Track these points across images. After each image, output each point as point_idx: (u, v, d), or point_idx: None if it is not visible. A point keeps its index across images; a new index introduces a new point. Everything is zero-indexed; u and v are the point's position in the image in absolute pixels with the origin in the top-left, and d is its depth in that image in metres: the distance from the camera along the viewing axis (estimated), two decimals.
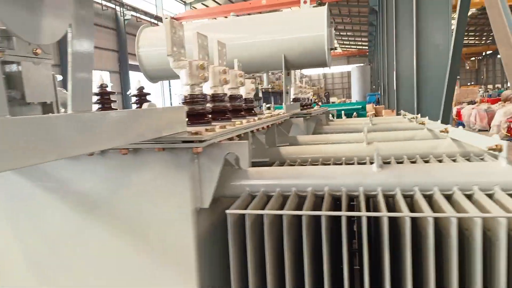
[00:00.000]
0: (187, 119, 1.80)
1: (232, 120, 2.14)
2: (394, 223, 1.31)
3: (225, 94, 2.15)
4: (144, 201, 1.46)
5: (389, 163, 1.80)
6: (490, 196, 1.29)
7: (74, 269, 1.53)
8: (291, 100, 4.42)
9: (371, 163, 1.63)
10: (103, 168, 1.46)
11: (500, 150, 1.38)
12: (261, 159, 2.18)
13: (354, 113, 15.75)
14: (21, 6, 0.77)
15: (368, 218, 1.30)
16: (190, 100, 1.79)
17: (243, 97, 2.70)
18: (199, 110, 1.82)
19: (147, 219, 1.46)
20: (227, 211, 1.35)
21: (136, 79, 2.16)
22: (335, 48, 4.22)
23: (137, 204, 1.46)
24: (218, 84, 2.11)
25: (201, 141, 1.34)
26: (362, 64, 43.49)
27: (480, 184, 1.34)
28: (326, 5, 3.18)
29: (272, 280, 1.36)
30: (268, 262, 1.34)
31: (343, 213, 1.25)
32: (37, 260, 1.55)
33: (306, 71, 78.24)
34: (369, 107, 23.67)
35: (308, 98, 4.90)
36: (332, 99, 43.38)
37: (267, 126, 2.55)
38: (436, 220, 1.21)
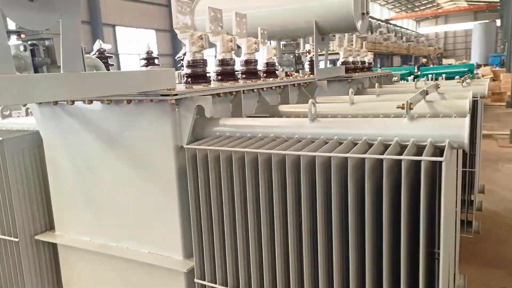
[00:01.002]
0: (189, 79, 2.32)
1: (240, 81, 2.58)
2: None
3: (232, 59, 2.57)
4: (144, 138, 2.03)
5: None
6: (388, 144, 1.55)
7: (101, 180, 2.22)
8: (340, 63, 4.57)
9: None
10: (117, 113, 2.07)
11: (402, 108, 1.59)
12: (262, 114, 2.58)
13: (457, 77, 14.35)
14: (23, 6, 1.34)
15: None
16: (192, 64, 2.28)
17: (265, 61, 3.09)
18: (199, 72, 2.30)
19: (146, 151, 2.04)
20: (185, 146, 1.85)
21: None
22: (368, 13, 4.01)
23: (139, 140, 2.05)
24: (226, 50, 2.54)
25: (174, 95, 1.84)
26: (486, 21, 37.93)
27: (384, 136, 1.59)
28: None
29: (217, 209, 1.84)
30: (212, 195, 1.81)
31: (287, 152, 1.63)
32: (79, 170, 2.28)
33: (423, 31, 70.96)
34: (486, 70, 20.95)
35: (361, 62, 4.96)
36: (448, 61, 39.23)
37: (280, 87, 2.91)
38: None
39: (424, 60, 38.25)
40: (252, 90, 2.57)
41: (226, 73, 2.55)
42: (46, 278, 2.58)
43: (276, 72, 3.16)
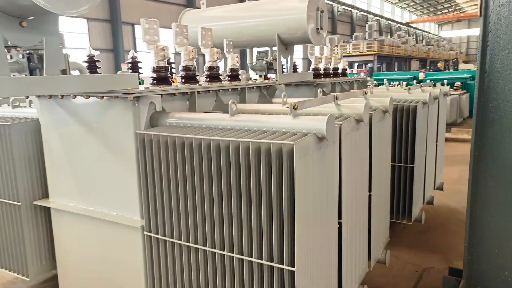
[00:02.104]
0: (154, 81, 2.94)
1: (200, 83, 3.19)
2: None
3: (193, 65, 3.17)
4: (114, 125, 2.67)
5: None
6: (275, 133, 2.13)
7: (82, 158, 2.87)
8: (312, 69, 5.13)
9: None
10: (93, 105, 2.72)
11: (288, 107, 2.17)
12: (216, 111, 3.18)
13: (456, 83, 14.60)
14: None
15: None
16: (156, 69, 2.91)
17: (230, 67, 3.70)
18: (161, 76, 2.92)
19: (115, 136, 2.68)
20: (136, 131, 2.48)
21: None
22: (323, 28, 4.44)
23: (111, 127, 2.69)
24: (188, 58, 3.15)
25: (132, 94, 2.47)
26: None
27: (276, 127, 2.19)
28: None
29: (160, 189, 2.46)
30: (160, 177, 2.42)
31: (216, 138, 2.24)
32: (67, 149, 2.94)
33: (445, 34, 69.94)
34: None
35: (333, 68, 5.50)
36: (466, 66, 38.84)
37: (237, 89, 3.51)
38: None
39: (440, 64, 37.99)
40: (208, 91, 3.17)
41: (188, 77, 3.17)
42: (42, 235, 3.26)
43: (240, 76, 3.76)
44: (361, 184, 2.92)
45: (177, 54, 3.29)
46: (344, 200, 2.57)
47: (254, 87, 3.76)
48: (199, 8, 4.76)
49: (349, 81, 5.75)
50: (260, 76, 4.37)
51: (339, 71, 5.72)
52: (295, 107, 2.19)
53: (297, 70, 4.96)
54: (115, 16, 24.74)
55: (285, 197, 1.97)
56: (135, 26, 26.25)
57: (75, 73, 2.96)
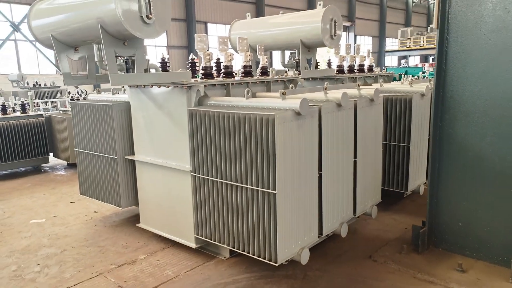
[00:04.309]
0: (202, 76, 4.31)
1: (232, 78, 4.49)
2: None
3: (231, 65, 4.48)
4: (175, 104, 4.09)
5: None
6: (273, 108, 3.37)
7: (155, 127, 4.35)
8: (337, 66, 6.18)
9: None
10: (163, 92, 4.17)
11: (284, 94, 3.37)
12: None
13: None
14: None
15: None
16: (203, 68, 4.27)
17: (261, 65, 4.96)
18: (207, 72, 4.28)
19: (175, 112, 4.10)
20: (188, 108, 3.87)
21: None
22: (336, 34, 5.17)
23: (173, 106, 4.12)
24: (227, 60, 4.48)
25: (186, 84, 3.87)
26: None
27: (272, 106, 3.42)
28: (326, 7, 4.91)
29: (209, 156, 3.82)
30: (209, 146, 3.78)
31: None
32: (146, 121, 4.44)
33: None
34: None
35: (359, 65, 6.48)
36: None
37: (261, 82, 4.76)
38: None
39: None
40: (241, 83, 4.48)
41: (227, 73, 4.49)
42: (129, 179, 4.85)
43: (270, 72, 5.00)
44: (343, 150, 4.01)
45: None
46: (324, 158, 3.72)
47: (279, 81, 4.98)
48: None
49: (374, 76, 6.67)
50: (286, 72, 5.56)
51: (365, 67, 6.67)
52: (284, 93, 3.41)
53: (318, 67, 6.06)
54: (190, 16, 27.05)
55: (271, 149, 3.21)
56: (208, 24, 28.40)
57: (153, 71, 4.43)
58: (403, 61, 34.43)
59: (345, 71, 6.17)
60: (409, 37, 30.44)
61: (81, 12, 3.44)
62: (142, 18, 3.20)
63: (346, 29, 37.26)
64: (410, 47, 29.40)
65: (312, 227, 3.69)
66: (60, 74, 19.39)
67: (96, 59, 3.93)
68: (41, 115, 8.49)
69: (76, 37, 3.71)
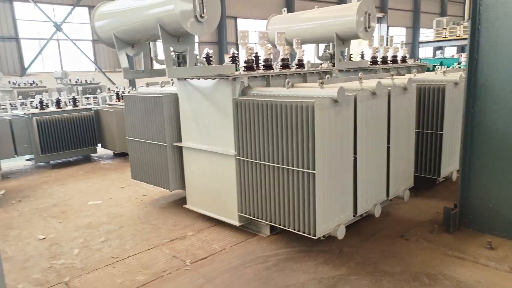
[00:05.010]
0: (245, 69, 4.69)
1: (271, 70, 4.85)
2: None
3: (270, 58, 4.83)
4: (220, 95, 4.50)
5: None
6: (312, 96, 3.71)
7: (201, 116, 4.78)
8: (370, 57, 6.40)
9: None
10: (210, 83, 4.58)
11: (322, 83, 3.69)
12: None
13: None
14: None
15: None
16: (246, 61, 4.65)
17: (298, 58, 5.28)
18: (249, 65, 4.65)
19: (221, 101, 4.51)
20: (233, 98, 4.26)
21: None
22: (370, 27, 5.28)
23: (219, 96, 4.52)
24: (266, 54, 4.83)
25: (231, 76, 4.26)
26: None
27: (312, 94, 3.76)
28: (361, 0, 5.14)
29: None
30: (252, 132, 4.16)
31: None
32: (193, 111, 4.88)
33: None
34: None
35: (392, 56, 6.67)
36: None
37: (298, 73, 5.08)
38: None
39: None
40: (279, 75, 4.82)
41: (266, 65, 4.85)
42: (177, 164, 5.32)
43: (306, 65, 5.32)
44: (377, 136, 4.29)
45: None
46: (359, 143, 4.02)
47: (314, 72, 5.29)
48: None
49: (407, 67, 6.84)
50: (321, 64, 5.86)
51: (399, 58, 6.84)
52: (322, 83, 3.73)
53: (351, 59, 6.30)
54: (221, 12, 27.51)
55: (311, 134, 3.55)
56: (238, 19, 28.80)
57: (200, 65, 4.85)
58: (438, 52, 33.55)
59: (379, 62, 6.38)
60: (444, 27, 29.58)
61: (142, 13, 3.89)
62: (196, 17, 3.61)
63: (378, 20, 36.68)
64: (445, 37, 28.60)
65: (347, 206, 4.01)
66: (99, 71, 20.42)
67: (152, 55, 4.39)
68: (90, 109, 9.19)
69: (135, 35, 4.18)
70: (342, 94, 3.62)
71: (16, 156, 8.30)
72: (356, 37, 5.32)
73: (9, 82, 16.50)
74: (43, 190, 6.86)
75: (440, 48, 34.09)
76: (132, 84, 19.79)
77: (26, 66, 20.58)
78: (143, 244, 4.53)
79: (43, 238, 4.81)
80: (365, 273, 3.65)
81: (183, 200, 5.61)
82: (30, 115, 8.27)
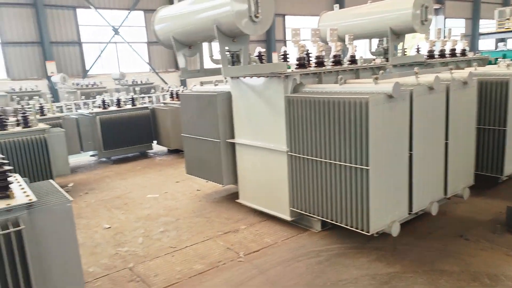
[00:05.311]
0: (297, 66, 4.75)
1: (324, 67, 4.86)
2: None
3: (322, 56, 4.85)
4: (272, 92, 4.60)
5: None
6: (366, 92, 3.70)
7: (254, 112, 4.90)
8: (427, 51, 6.19)
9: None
10: (262, 81, 4.69)
11: (377, 79, 3.65)
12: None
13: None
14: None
15: None
16: (298, 59, 4.70)
17: (350, 54, 5.25)
18: (301, 63, 4.70)
19: (273, 98, 4.60)
20: (285, 95, 4.33)
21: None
22: (427, 20, 4.95)
23: (271, 93, 4.62)
24: (318, 51, 4.85)
25: (283, 74, 4.34)
26: None
27: (366, 90, 3.74)
28: None
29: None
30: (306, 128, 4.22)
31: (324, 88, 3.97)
32: (246, 108, 5.02)
33: None
34: None
35: (450, 50, 6.39)
36: None
37: (351, 70, 5.05)
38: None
39: None
40: (331, 71, 4.83)
41: (318, 63, 4.88)
42: (230, 160, 5.50)
43: (358, 61, 5.27)
44: (434, 132, 4.16)
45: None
46: (415, 139, 3.93)
47: (367, 68, 5.22)
48: None
49: (467, 60, 6.52)
50: (374, 59, 5.76)
51: (457, 51, 6.55)
52: (376, 78, 3.70)
53: (405, 53, 6.12)
54: None
55: (364, 130, 3.54)
56: (286, 16, 28.74)
57: (253, 64, 4.99)
58: (500, 44, 31.29)
59: (436, 56, 6.15)
60: (508, 17, 27.55)
61: (199, 15, 4.09)
62: (251, 18, 3.73)
63: (435, 12, 34.88)
64: (509, 28, 26.63)
65: (402, 203, 3.94)
66: (152, 72, 21.30)
67: (209, 55, 4.59)
68: (147, 108, 9.69)
69: (192, 37, 4.39)
70: (397, 90, 3.57)
71: (81, 152, 8.98)
72: (412, 31, 5.17)
73: (73, 84, 17.77)
74: (107, 184, 7.38)
75: (502, 40, 31.77)
76: (183, 83, 20.49)
77: (87, 68, 22.02)
78: (199, 236, 4.75)
79: (109, 227, 5.20)
80: (421, 271, 3.58)
81: (234, 195, 5.79)
82: (94, 114, 8.90)
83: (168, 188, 6.86)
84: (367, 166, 3.56)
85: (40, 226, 2.92)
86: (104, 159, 9.46)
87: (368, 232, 3.65)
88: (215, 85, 5.86)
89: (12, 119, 6.70)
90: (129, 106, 9.57)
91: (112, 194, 6.71)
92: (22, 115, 6.28)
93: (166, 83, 22.27)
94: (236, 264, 4.02)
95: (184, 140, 6.21)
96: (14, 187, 2.95)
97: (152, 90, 19.21)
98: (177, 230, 4.99)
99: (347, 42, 5.21)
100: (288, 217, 4.69)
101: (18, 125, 6.29)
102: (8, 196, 2.82)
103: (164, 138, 9.56)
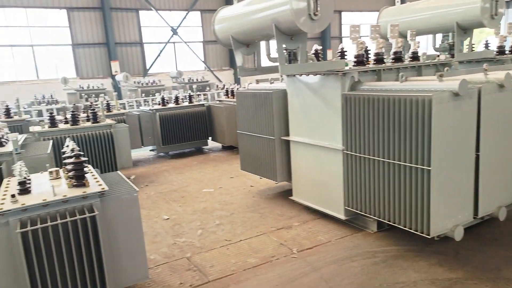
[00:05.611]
0: (355, 64, 4.67)
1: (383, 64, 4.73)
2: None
3: (382, 52, 4.71)
4: (329, 90, 4.57)
5: None
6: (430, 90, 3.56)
7: (310, 111, 4.90)
8: (497, 47, 5.79)
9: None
10: (318, 79, 4.68)
11: (441, 76, 3.50)
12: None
13: None
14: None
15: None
16: (356, 56, 4.62)
17: (412, 51, 5.05)
18: (359, 60, 4.61)
19: (329, 96, 4.57)
20: (342, 93, 4.28)
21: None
22: (497, 14, 4.40)
23: (327, 91, 4.60)
24: (378, 47, 4.73)
25: (341, 71, 4.30)
26: None
27: (430, 87, 3.60)
28: None
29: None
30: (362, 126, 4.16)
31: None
32: (301, 106, 5.03)
33: None
34: None
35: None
36: None
37: (412, 67, 4.85)
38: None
39: None
40: (391, 69, 4.69)
41: (378, 60, 4.75)
42: (284, 157, 5.54)
43: (421, 57, 5.06)
44: (505, 133, 3.90)
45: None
46: (483, 140, 3.71)
47: (430, 65, 5.00)
48: None
49: None
50: (438, 56, 5.50)
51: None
52: (441, 75, 3.55)
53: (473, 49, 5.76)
54: None
55: (427, 129, 3.41)
56: (342, 13, 28.17)
57: (310, 61, 4.98)
58: None
59: (507, 52, 5.74)
60: None
61: (258, 15, 4.17)
62: (310, 16, 3.74)
63: (506, 5, 32.32)
64: None
65: (467, 207, 3.75)
66: (208, 70, 21.90)
67: (266, 53, 4.66)
68: (203, 105, 10.01)
69: (250, 36, 4.48)
70: (464, 87, 3.40)
71: (142, 146, 9.50)
72: (481, 25, 4.87)
73: (134, 82, 18.79)
74: (165, 177, 7.75)
75: None
76: (237, 81, 20.82)
77: (147, 67, 23.15)
78: (252, 231, 4.85)
79: (167, 219, 5.47)
80: (486, 278, 3.39)
81: (287, 192, 5.83)
82: (154, 110, 9.36)
83: (222, 183, 7.06)
84: (429, 167, 3.43)
85: (111, 213, 3.16)
86: (162, 154, 9.93)
87: (428, 235, 3.52)
88: (271, 83, 5.93)
89: (82, 114, 7.28)
90: (186, 103, 9.95)
91: (170, 187, 7.04)
92: (91, 111, 6.78)
93: (220, 81, 22.83)
94: (289, 260, 4.06)
95: (239, 136, 6.35)
96: (88, 177, 3.22)
97: (207, 88, 19.78)
98: (231, 224, 5.13)
99: (409, 38, 5.02)
100: (342, 216, 4.64)
101: (88, 120, 6.81)
102: (84, 185, 3.09)
103: (219, 134, 9.82)
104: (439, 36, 5.68)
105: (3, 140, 4.39)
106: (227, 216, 5.40)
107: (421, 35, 5.61)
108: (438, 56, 5.41)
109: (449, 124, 3.48)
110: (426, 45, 5.99)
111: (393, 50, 4.89)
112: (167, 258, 4.30)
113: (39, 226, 2.73)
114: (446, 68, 4.37)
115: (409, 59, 5.02)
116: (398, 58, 4.86)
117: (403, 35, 5.18)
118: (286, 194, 5.91)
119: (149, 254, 4.37)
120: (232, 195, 6.31)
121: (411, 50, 5.06)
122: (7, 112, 8.05)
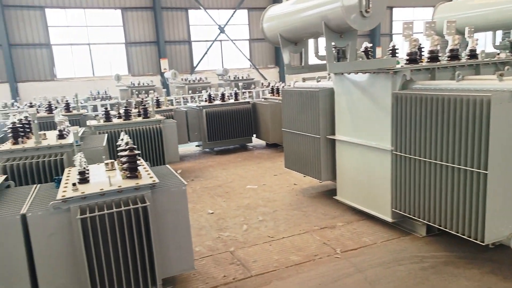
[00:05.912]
0: (407, 61, 4.51)
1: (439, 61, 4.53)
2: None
3: (437, 50, 4.50)
4: (378, 88, 4.45)
5: None
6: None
7: (358, 109, 4.80)
8: None
9: None
10: (367, 77, 4.57)
11: (502, 75, 3.29)
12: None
13: None
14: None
15: None
16: (408, 54, 4.46)
17: (469, 49, 4.79)
18: (412, 58, 4.45)
19: (379, 95, 4.46)
20: (393, 92, 4.15)
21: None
22: None
23: (376, 90, 4.49)
24: (433, 45, 4.54)
25: (392, 70, 4.17)
26: None
27: (487, 88, 3.41)
28: None
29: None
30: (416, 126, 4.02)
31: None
32: (348, 104, 4.95)
33: None
34: None
35: None
36: None
37: (470, 65, 4.61)
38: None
39: None
40: (446, 67, 4.48)
41: (432, 57, 4.56)
42: (329, 156, 5.48)
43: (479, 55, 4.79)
44: None
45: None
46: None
47: (490, 63, 4.72)
48: None
49: None
50: (498, 54, 5.17)
51: None
52: (501, 75, 3.34)
53: None
54: None
55: (484, 130, 3.23)
56: (394, 9, 27.23)
57: (359, 59, 4.89)
58: None
59: None
60: None
61: (307, 13, 4.15)
62: (361, 13, 3.66)
63: None
64: None
65: None
66: (253, 68, 22.04)
67: (314, 51, 4.63)
68: (248, 102, 10.12)
69: (299, 34, 4.47)
70: None
71: (188, 142, 9.77)
72: None
73: (182, 79, 19.35)
74: (210, 172, 7.93)
75: None
76: (282, 79, 20.81)
77: (194, 65, 23.74)
78: (295, 228, 4.86)
79: (212, 213, 5.61)
80: None
81: (331, 192, 5.76)
82: (201, 107, 9.60)
83: (266, 180, 7.11)
84: (486, 170, 3.25)
85: (160, 204, 3.31)
86: (207, 149, 10.16)
87: (482, 242, 3.34)
88: (318, 81, 5.88)
89: (134, 110, 7.62)
90: (232, 101, 10.10)
91: (214, 182, 7.20)
92: (142, 107, 7.09)
93: (265, 78, 22.91)
94: (332, 259, 4.02)
95: (284, 134, 6.36)
96: (140, 169, 3.39)
97: (252, 86, 19.93)
98: (274, 221, 5.16)
99: (466, 35, 4.77)
100: (389, 218, 4.52)
101: (139, 115, 7.12)
102: (137, 177, 3.25)
103: (263, 132, 9.89)
104: (499, 33, 5.34)
105: (64, 132, 4.71)
106: (270, 213, 5.44)
107: (479, 32, 5.31)
108: (498, 54, 5.09)
109: (509, 126, 3.27)
110: (484, 43, 5.64)
111: (449, 47, 4.68)
112: (212, 251, 4.42)
113: (96, 213, 2.92)
114: (506, 67, 4.10)
115: (467, 57, 4.77)
116: (454, 56, 4.64)
117: (460, 32, 4.94)
118: (329, 194, 5.85)
119: (195, 246, 4.50)
120: (275, 193, 6.34)
121: (468, 48, 4.81)
122: (67, 107, 8.61)
